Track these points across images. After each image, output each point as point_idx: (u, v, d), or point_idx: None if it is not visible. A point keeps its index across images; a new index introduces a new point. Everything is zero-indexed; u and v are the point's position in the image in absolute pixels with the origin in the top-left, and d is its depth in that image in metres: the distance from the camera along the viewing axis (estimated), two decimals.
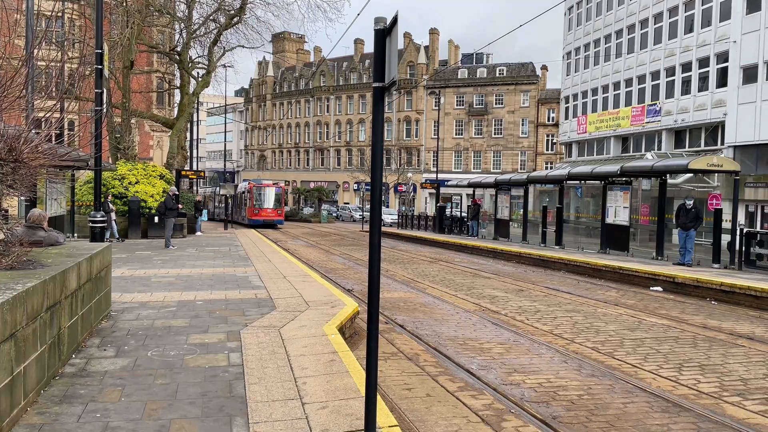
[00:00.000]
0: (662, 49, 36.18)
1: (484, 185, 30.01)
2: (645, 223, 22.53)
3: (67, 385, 5.06)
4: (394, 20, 3.70)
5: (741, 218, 23.86)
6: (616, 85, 40.86)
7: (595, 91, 43.45)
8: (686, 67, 34.31)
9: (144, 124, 43.07)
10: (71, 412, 4.47)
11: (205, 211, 34.72)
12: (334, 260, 20.09)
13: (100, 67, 13.54)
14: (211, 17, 29.80)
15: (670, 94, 35.61)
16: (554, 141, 59.70)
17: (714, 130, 32.41)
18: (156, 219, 21.88)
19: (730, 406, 5.85)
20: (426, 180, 47.86)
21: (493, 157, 63.58)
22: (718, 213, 16.89)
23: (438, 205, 36.20)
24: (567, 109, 47.97)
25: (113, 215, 20.47)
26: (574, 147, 46.65)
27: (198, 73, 32.14)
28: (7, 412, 3.99)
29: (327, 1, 79.01)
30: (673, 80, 35.32)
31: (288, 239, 30.37)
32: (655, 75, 36.93)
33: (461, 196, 53.65)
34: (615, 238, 19.46)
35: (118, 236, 20.90)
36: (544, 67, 63.22)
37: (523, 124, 62.49)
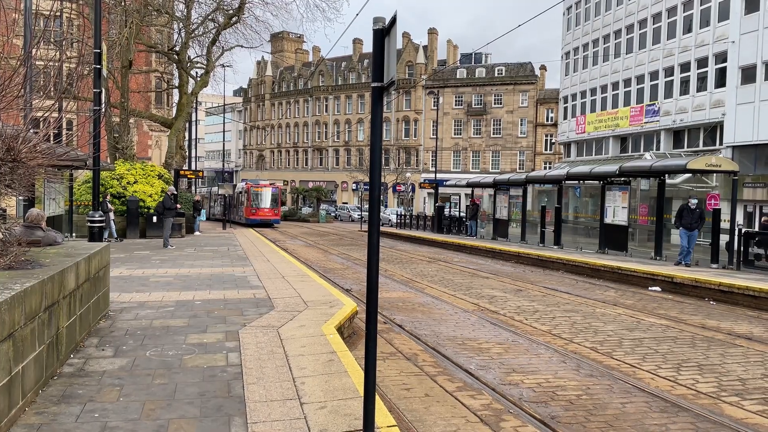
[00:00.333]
0: (661, 49, 36.22)
1: (483, 185, 30.02)
2: (643, 223, 22.54)
3: (66, 385, 5.06)
4: (393, 20, 3.70)
5: (739, 218, 23.91)
6: (615, 85, 40.89)
7: (593, 91, 43.48)
8: (685, 67, 34.35)
9: (142, 123, 43.03)
10: (69, 412, 4.47)
11: (203, 211, 34.72)
12: (332, 260, 20.08)
13: (98, 66, 13.52)
14: (209, 17, 29.79)
15: (668, 94, 35.65)
16: (553, 141, 59.72)
17: (712, 131, 32.45)
18: (154, 219, 21.86)
19: (729, 406, 5.86)
20: (425, 180, 47.83)
21: (492, 157, 63.60)
22: (716, 213, 16.92)
23: (437, 205, 36.20)
24: (566, 109, 48.00)
25: (111, 215, 20.45)
26: (573, 147, 46.68)
27: (196, 72, 32.13)
28: (6, 412, 3.98)
29: (326, 1, 78.86)
30: (672, 80, 35.35)
31: (286, 239, 30.36)
32: (654, 75, 36.96)
33: (460, 196, 53.67)
34: (613, 238, 19.48)
35: (116, 236, 20.87)
36: (543, 67, 63.26)
37: (521, 124, 62.51)
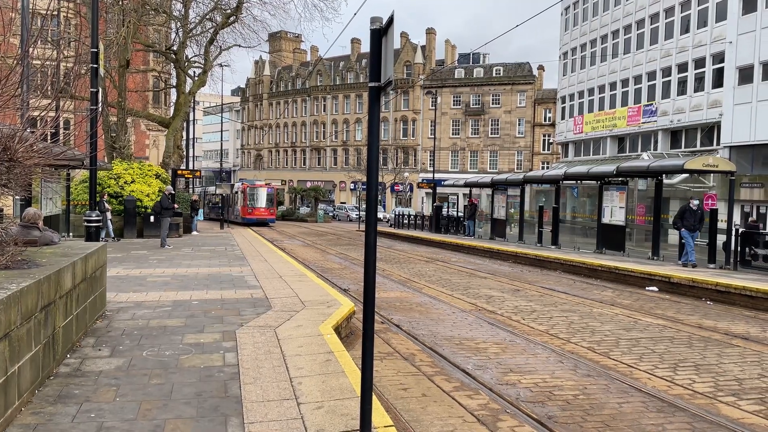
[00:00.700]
0: (658, 49, 36.27)
1: (481, 185, 30.02)
2: (641, 223, 22.53)
3: (62, 385, 5.05)
4: (390, 20, 3.70)
5: (736, 218, 23.95)
6: (613, 86, 40.94)
7: (591, 92, 43.53)
8: (682, 67, 34.40)
9: (140, 123, 42.98)
10: (66, 412, 4.46)
11: (201, 211, 34.68)
12: (330, 260, 20.08)
13: (95, 65, 13.49)
14: (207, 16, 29.74)
15: (666, 94, 35.70)
16: (551, 141, 59.78)
17: (710, 131, 32.51)
18: (152, 218, 21.81)
19: (725, 406, 5.87)
20: (423, 180, 47.89)
21: (490, 156, 63.63)
22: (713, 213, 16.94)
23: (435, 204, 36.21)
24: (563, 109, 48.04)
25: (109, 215, 20.41)
26: (571, 147, 46.73)
27: (194, 72, 32.06)
28: (2, 412, 3.97)
29: (324, 1, 78.98)
30: (669, 80, 35.41)
31: (284, 239, 30.34)
32: (652, 75, 37.01)
33: (458, 196, 53.65)
34: (611, 238, 19.50)
35: (113, 236, 20.83)
36: (541, 67, 63.35)
37: (519, 124, 62.56)
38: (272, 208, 44.77)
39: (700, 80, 33.14)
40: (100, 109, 15.60)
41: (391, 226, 43.59)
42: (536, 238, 23.53)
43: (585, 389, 6.25)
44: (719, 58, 31.39)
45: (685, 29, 34.29)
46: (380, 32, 3.75)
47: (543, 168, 54.67)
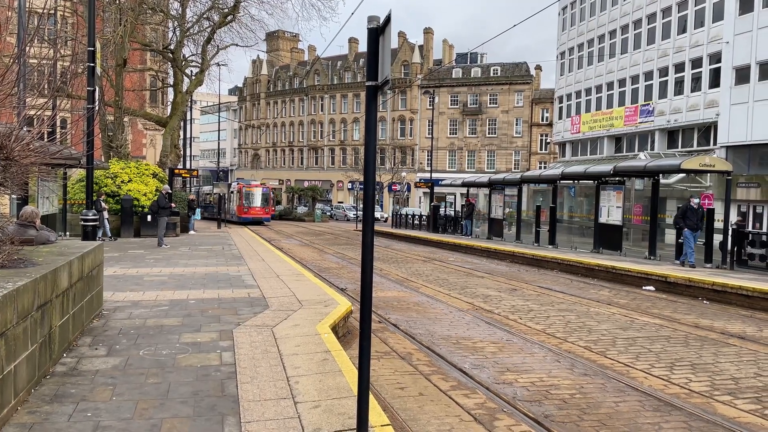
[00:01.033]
0: (655, 49, 36.32)
1: (478, 185, 30.04)
2: (638, 223, 22.57)
3: (58, 384, 5.04)
4: (387, 19, 3.70)
5: (733, 218, 23.99)
6: (610, 86, 40.99)
7: (588, 91, 43.58)
8: (679, 67, 34.46)
9: (137, 122, 42.89)
10: (62, 411, 4.45)
11: (198, 210, 34.63)
12: (327, 259, 20.07)
13: (92, 64, 13.46)
14: (204, 15, 29.67)
15: (663, 94, 35.76)
16: (548, 141, 59.84)
17: (707, 131, 32.58)
18: (149, 218, 21.75)
19: (721, 404, 5.88)
20: (420, 179, 47.91)
21: (487, 156, 63.67)
22: (710, 213, 16.98)
23: (432, 204, 36.22)
24: (561, 109, 48.08)
25: (105, 214, 20.37)
26: (568, 147, 46.78)
27: (191, 71, 32.02)
28: None
29: (321, 0, 78.71)
30: (666, 80, 35.46)
31: (282, 238, 30.31)
32: (649, 75, 37.07)
33: (455, 196, 53.69)
34: (608, 237, 19.53)
35: (110, 235, 20.80)
36: (538, 67, 63.39)
37: (517, 124, 62.60)
38: (268, 207, 45.35)
39: (697, 80, 33.20)
40: (97, 108, 15.57)
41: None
42: (533, 237, 23.57)
43: (582, 388, 6.26)
44: (716, 58, 31.46)
45: (682, 29, 34.35)
46: (377, 31, 3.75)
47: (540, 168, 54.73)
